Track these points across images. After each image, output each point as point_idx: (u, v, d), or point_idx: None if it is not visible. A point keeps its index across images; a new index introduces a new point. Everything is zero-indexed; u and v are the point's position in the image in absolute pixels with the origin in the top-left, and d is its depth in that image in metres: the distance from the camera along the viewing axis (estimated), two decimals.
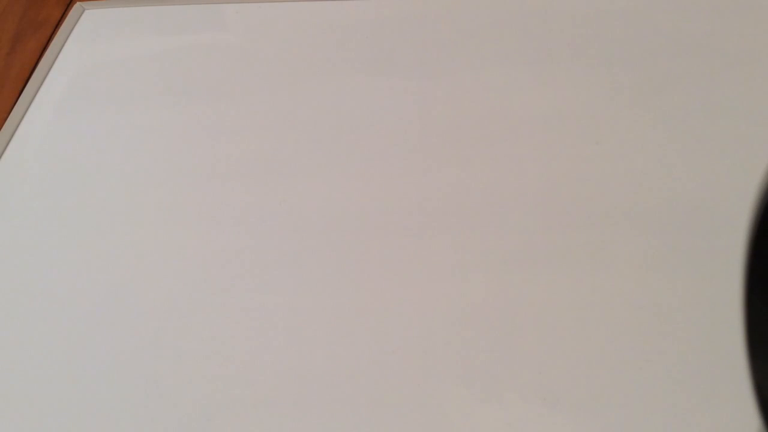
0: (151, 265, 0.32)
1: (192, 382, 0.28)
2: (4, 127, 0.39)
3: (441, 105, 0.37)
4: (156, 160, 0.36)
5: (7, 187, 0.36)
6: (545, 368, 0.27)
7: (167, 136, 0.37)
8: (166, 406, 0.27)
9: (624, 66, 0.37)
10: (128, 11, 0.45)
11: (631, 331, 0.28)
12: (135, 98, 0.39)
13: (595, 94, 0.36)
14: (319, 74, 0.39)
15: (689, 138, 0.34)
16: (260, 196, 0.34)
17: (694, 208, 0.31)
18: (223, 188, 0.34)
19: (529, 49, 0.39)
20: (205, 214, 0.33)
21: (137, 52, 0.42)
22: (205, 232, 0.33)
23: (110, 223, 0.33)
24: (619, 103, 0.36)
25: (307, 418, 0.26)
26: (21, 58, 0.44)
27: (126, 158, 0.36)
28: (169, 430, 0.26)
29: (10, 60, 0.44)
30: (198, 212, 0.33)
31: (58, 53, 0.43)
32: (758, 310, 0.27)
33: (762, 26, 0.38)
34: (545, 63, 0.38)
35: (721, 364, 0.26)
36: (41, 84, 0.41)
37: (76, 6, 0.46)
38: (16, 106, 0.40)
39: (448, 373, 0.27)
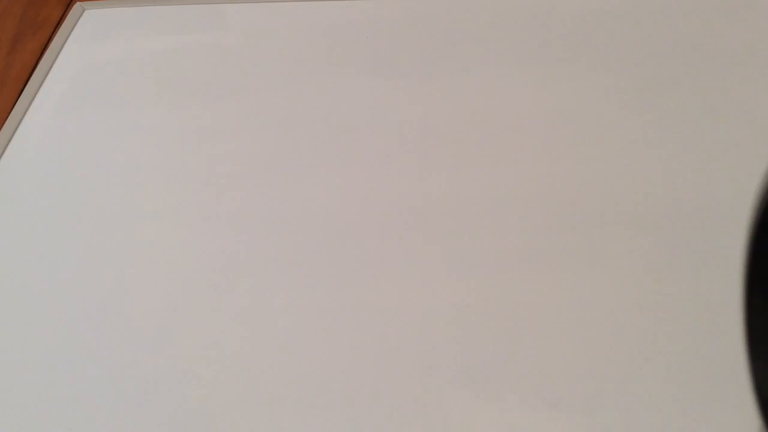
0: (150, 264, 0.32)
1: (192, 383, 0.28)
2: (4, 127, 0.39)
3: (441, 105, 0.37)
4: (155, 159, 0.36)
5: (7, 187, 0.36)
6: (545, 368, 0.27)
7: (167, 136, 0.37)
8: (166, 407, 0.27)
9: (624, 66, 0.37)
10: (128, 11, 0.45)
11: (631, 331, 0.28)
12: (135, 98, 0.39)
13: (595, 94, 0.36)
14: (319, 74, 0.39)
15: (689, 138, 0.34)
16: (259, 196, 0.34)
17: (694, 208, 0.31)
18: (223, 188, 0.34)
19: (529, 50, 0.39)
20: (204, 214, 0.33)
21: (137, 52, 0.42)
22: (204, 232, 0.33)
23: (110, 223, 0.33)
24: (618, 103, 0.36)
25: (307, 418, 0.26)
26: (21, 58, 0.44)
27: (126, 158, 0.36)
28: (169, 430, 0.26)
29: (10, 60, 0.44)
30: (198, 212, 0.33)
31: (58, 53, 0.43)
32: (758, 310, 0.27)
33: (762, 26, 0.38)
34: (545, 63, 0.38)
35: (721, 364, 0.26)
36: (41, 84, 0.41)
37: (76, 6, 0.46)
38: (16, 106, 0.40)
39: (448, 373, 0.27)
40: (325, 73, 0.39)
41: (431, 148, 0.35)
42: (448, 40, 0.40)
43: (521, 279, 0.29)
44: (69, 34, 0.44)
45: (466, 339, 0.28)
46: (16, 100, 0.40)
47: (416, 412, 0.26)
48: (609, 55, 0.38)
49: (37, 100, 0.40)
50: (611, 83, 0.37)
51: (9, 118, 0.39)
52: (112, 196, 0.35)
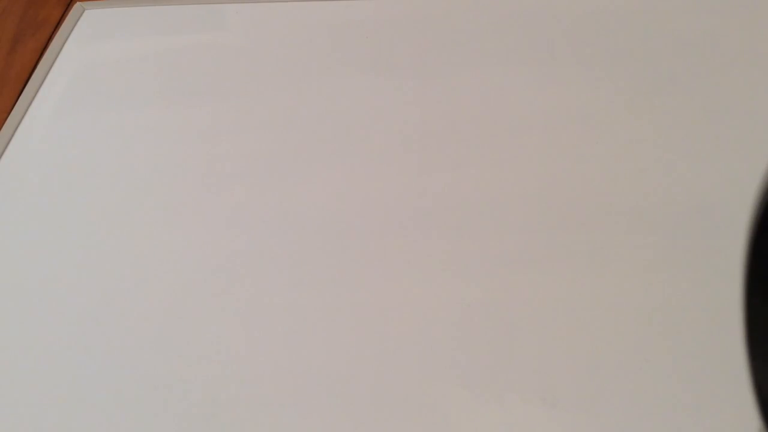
0: (151, 264, 0.32)
1: (191, 383, 0.28)
2: (4, 127, 0.39)
3: (441, 105, 0.37)
4: (156, 160, 0.36)
5: (7, 187, 0.36)
6: (545, 368, 0.27)
7: (167, 136, 0.37)
8: (165, 407, 0.27)
9: (624, 66, 0.37)
10: (128, 11, 0.45)
11: (631, 331, 0.28)
12: (135, 98, 0.39)
13: (595, 94, 0.36)
14: (319, 74, 0.39)
15: (689, 138, 0.34)
16: (259, 196, 0.34)
17: (694, 208, 0.31)
18: (223, 188, 0.34)
19: (529, 49, 0.39)
20: (204, 214, 0.33)
21: (137, 52, 0.42)
22: (204, 231, 0.33)
23: (110, 223, 0.33)
24: (619, 103, 0.36)
25: (306, 418, 0.26)
26: (21, 58, 0.44)
27: (126, 158, 0.36)
28: (169, 431, 0.26)
29: (10, 60, 0.44)
30: (198, 212, 0.33)
31: (58, 53, 0.43)
32: (758, 310, 0.27)
33: (762, 26, 0.38)
34: (545, 63, 0.38)
35: (721, 364, 0.26)
36: (41, 84, 0.41)
37: (76, 6, 0.46)
38: (16, 106, 0.40)
39: (447, 373, 0.27)
40: (325, 73, 0.39)
41: (431, 148, 0.35)
42: (448, 40, 0.40)
43: (521, 279, 0.29)
44: (69, 34, 0.44)
45: (466, 338, 0.28)
46: (16, 100, 0.40)
47: (416, 412, 0.26)
48: (609, 55, 0.38)
49: (37, 100, 0.40)
50: (611, 83, 0.37)
51: (9, 118, 0.39)
52: (111, 195, 0.35)
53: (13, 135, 0.38)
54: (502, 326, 0.28)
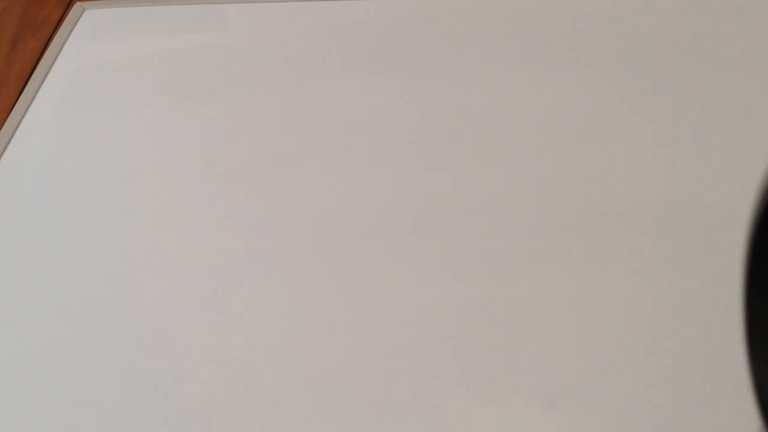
0: (150, 264, 0.32)
1: (191, 382, 0.28)
2: (4, 127, 0.39)
3: (441, 105, 0.37)
4: (155, 160, 0.36)
5: (7, 187, 0.36)
6: (545, 369, 0.27)
7: (167, 136, 0.37)
8: (165, 407, 0.27)
9: (623, 66, 0.37)
10: (128, 11, 0.45)
11: (631, 331, 0.28)
12: (135, 98, 0.39)
13: (594, 94, 0.36)
14: (319, 74, 0.39)
15: (689, 138, 0.34)
16: (259, 196, 0.34)
17: (694, 208, 0.31)
18: (223, 188, 0.34)
19: (529, 49, 0.39)
20: (204, 214, 0.33)
21: (137, 52, 0.42)
22: (204, 232, 0.33)
23: (110, 223, 0.33)
24: (619, 103, 0.36)
25: (306, 419, 0.26)
26: (21, 58, 0.44)
27: (126, 158, 0.36)
28: (169, 430, 0.26)
29: (10, 60, 0.44)
30: (198, 212, 0.33)
31: (58, 53, 0.43)
32: (758, 310, 0.27)
33: (762, 26, 0.38)
34: (545, 63, 0.38)
35: (721, 364, 0.26)
36: (41, 84, 0.41)
37: (76, 6, 0.46)
38: (16, 106, 0.40)
39: (447, 373, 0.27)
40: (325, 73, 0.39)
41: (431, 148, 0.35)
42: (448, 40, 0.40)
43: (521, 279, 0.29)
44: (69, 34, 0.44)
45: (466, 338, 0.28)
46: (16, 100, 0.40)
47: (415, 412, 0.26)
48: (609, 55, 0.38)
49: (37, 100, 0.40)
50: (611, 83, 0.37)
51: (9, 118, 0.39)
52: (112, 195, 0.35)
53: (13, 135, 0.38)
54: (502, 326, 0.28)
